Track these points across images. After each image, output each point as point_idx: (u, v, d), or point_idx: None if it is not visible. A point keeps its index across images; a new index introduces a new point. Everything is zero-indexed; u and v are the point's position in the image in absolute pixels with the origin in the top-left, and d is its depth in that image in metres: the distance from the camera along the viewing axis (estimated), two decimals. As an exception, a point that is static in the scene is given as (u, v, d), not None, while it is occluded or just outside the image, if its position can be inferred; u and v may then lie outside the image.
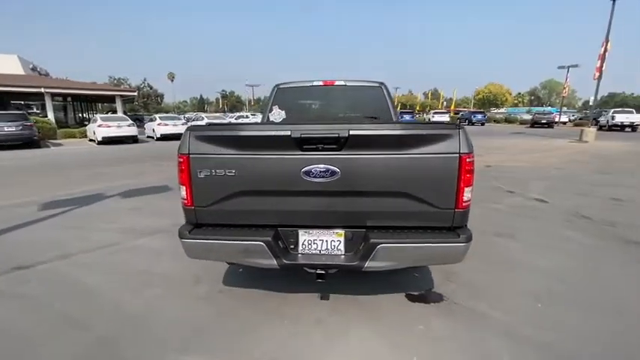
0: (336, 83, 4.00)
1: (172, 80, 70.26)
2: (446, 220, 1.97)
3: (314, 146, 1.86)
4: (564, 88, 33.67)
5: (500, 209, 4.76)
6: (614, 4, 14.47)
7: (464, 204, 1.92)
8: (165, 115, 19.48)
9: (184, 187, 2.02)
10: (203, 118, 18.10)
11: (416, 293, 2.57)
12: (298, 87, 4.06)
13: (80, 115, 29.62)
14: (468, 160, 1.86)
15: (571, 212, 4.58)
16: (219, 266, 2.93)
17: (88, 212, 4.70)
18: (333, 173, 1.87)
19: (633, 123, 23.15)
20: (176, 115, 19.92)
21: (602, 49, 15.23)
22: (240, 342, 2.03)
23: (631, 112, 24.16)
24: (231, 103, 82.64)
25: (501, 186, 6.20)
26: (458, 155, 1.85)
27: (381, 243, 1.90)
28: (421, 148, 1.86)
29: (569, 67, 31.71)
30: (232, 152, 1.93)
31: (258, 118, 33.84)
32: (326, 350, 1.96)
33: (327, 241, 2.06)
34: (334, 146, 1.86)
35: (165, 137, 16.17)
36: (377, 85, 4.07)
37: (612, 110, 25.22)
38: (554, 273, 2.86)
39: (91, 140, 16.52)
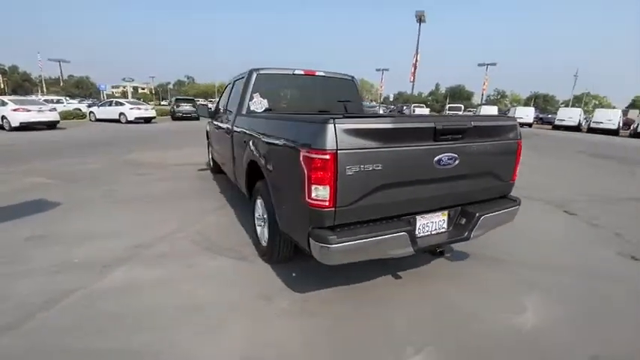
0: (317, 74, 4.01)
1: None
2: (505, 191, 2.59)
3: (446, 136, 2.05)
4: (380, 86, 42.74)
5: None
6: (420, 26, 19.50)
7: (515, 177, 2.59)
8: (22, 98, 15.12)
9: (326, 187, 1.78)
10: (6, 103, 12.65)
11: (449, 255, 3.13)
12: (279, 74, 3.81)
13: None
14: (521, 144, 2.51)
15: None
16: (265, 277, 2.63)
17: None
18: (455, 160, 2.13)
19: (426, 115, 32.55)
20: (37, 99, 15.77)
21: (414, 60, 20.38)
22: (386, 339, 2.02)
23: (422, 107, 33.59)
24: (15, 82, 59.82)
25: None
26: (517, 141, 2.48)
27: (483, 215, 2.32)
28: (502, 135, 2.38)
29: (383, 70, 40.35)
30: (378, 145, 1.86)
31: (76, 103, 26.38)
32: (449, 310, 2.24)
33: (435, 222, 2.30)
34: (459, 136, 2.11)
35: (25, 127, 10.96)
36: (349, 78, 4.33)
37: (413, 105, 34.11)
38: (521, 224, 3.61)
39: None
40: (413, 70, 20.68)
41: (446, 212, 2.34)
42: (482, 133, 2.25)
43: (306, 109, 3.95)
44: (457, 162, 2.13)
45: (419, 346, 1.93)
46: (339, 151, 1.75)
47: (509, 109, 35.79)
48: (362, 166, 1.82)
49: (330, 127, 1.74)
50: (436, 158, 2.05)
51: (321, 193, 1.80)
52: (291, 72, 3.86)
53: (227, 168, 4.45)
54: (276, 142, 2.29)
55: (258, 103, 3.70)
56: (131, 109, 17.65)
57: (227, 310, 2.23)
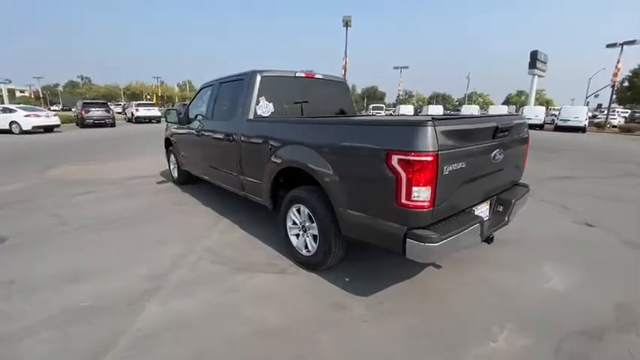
0: (316, 76, 3.98)
1: None
2: (518, 178, 3.00)
3: (500, 134, 2.30)
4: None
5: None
6: (347, 30, 20.51)
7: (525, 166, 3.02)
8: None
9: (426, 189, 1.84)
10: None
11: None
12: (282, 77, 3.68)
13: None
14: (529, 137, 2.94)
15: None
16: (321, 286, 2.58)
17: None
18: (502, 154, 2.39)
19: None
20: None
21: (344, 62, 21.38)
22: (471, 325, 2.18)
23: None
24: None
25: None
26: (527, 134, 2.90)
27: (517, 200, 2.65)
28: (523, 130, 2.76)
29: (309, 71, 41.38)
30: (463, 144, 2.00)
31: None
32: (495, 289, 2.51)
33: (483, 211, 2.54)
34: (507, 133, 2.38)
35: None
36: (343, 80, 4.40)
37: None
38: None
39: None
40: (343, 73, 21.76)
41: (488, 201, 2.60)
42: (517, 129, 2.59)
43: (307, 111, 3.88)
44: (502, 156, 2.40)
45: (499, 324, 2.13)
46: (439, 152, 1.82)
47: (421, 108, 40.31)
48: (454, 165, 1.93)
49: (431, 129, 1.80)
50: (492, 154, 2.28)
51: (420, 194, 1.84)
52: (292, 74, 3.75)
53: (221, 177, 4.08)
54: (346, 147, 2.23)
55: (264, 107, 3.51)
56: (26, 116, 14.51)
57: (307, 327, 2.10)
